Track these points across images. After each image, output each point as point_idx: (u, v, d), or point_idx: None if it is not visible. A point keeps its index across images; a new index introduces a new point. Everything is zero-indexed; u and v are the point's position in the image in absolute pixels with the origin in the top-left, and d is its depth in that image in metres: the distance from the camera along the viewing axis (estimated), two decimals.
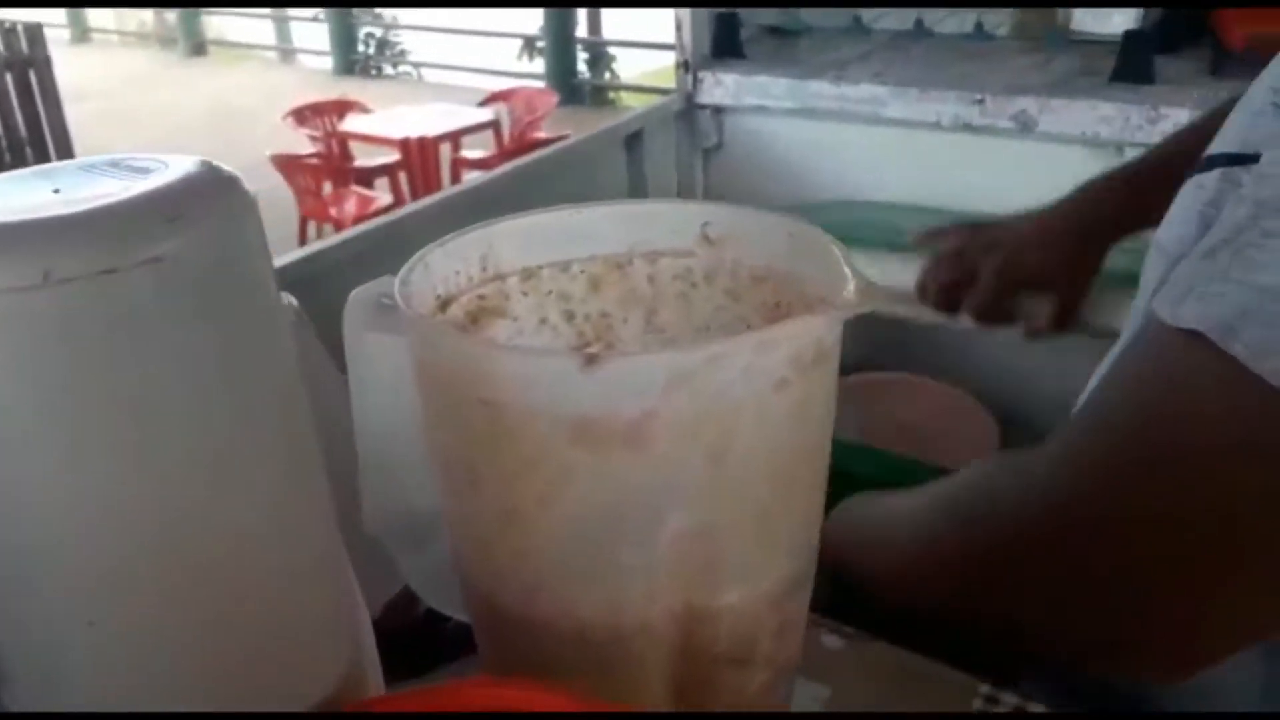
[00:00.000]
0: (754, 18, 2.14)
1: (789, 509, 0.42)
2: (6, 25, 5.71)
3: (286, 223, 4.90)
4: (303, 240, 4.79)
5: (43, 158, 5.59)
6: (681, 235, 0.52)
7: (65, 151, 5.67)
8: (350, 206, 4.66)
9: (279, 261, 1.30)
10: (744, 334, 0.36)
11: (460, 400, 0.39)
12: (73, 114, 5.80)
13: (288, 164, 4.72)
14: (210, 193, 0.29)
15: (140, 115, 8.03)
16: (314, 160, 5.10)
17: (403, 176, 4.93)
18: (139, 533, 0.30)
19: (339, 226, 4.59)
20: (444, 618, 0.54)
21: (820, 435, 0.43)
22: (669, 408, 0.36)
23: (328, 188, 4.78)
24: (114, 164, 0.31)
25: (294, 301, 0.68)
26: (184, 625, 0.32)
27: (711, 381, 0.36)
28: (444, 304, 0.48)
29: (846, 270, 0.41)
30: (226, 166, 0.32)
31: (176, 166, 0.31)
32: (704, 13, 2.06)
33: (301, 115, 5.37)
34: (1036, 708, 0.59)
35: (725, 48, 2.06)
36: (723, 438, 0.37)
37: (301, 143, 5.34)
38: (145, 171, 0.30)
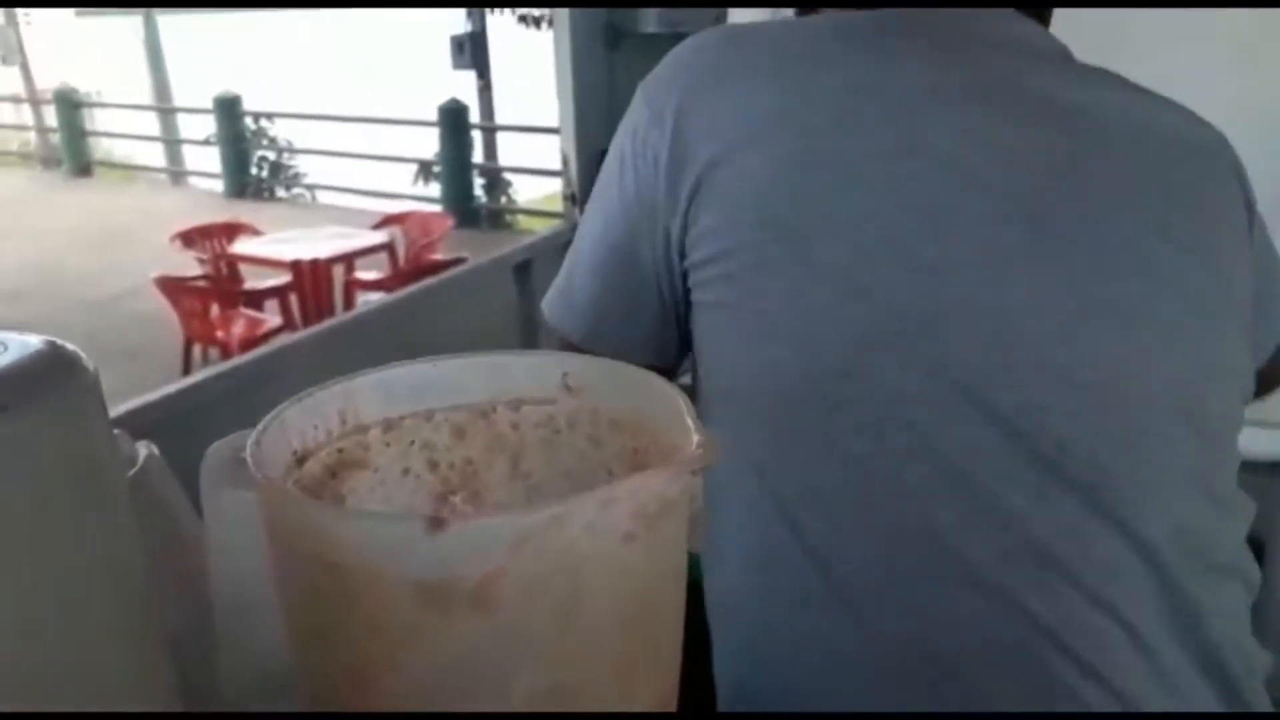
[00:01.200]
0: None
1: (646, 657, 0.43)
2: None
3: (172, 346, 4.78)
4: (187, 363, 4.66)
5: None
6: (543, 384, 0.54)
7: None
8: (238, 329, 4.57)
9: (153, 396, 1.28)
10: (585, 493, 0.37)
11: (307, 562, 0.39)
12: None
13: (173, 286, 4.63)
14: (47, 376, 0.30)
15: (18, 236, 7.79)
16: (201, 283, 5.01)
17: (294, 298, 4.87)
18: None
19: (226, 349, 4.49)
20: None
21: (673, 581, 0.44)
22: (514, 568, 0.36)
23: (215, 310, 4.69)
24: None
25: (154, 449, 0.67)
26: None
27: (556, 540, 0.37)
28: (301, 459, 0.48)
29: (690, 423, 0.43)
30: (69, 345, 0.32)
31: (15, 348, 0.31)
32: (591, 148, 2.14)
33: (189, 237, 5.30)
34: None
35: None
36: (571, 595, 0.38)
37: (189, 265, 5.25)
38: None
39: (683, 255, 0.72)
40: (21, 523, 0.28)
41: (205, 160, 10.03)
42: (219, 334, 4.54)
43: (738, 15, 1.74)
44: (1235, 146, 0.74)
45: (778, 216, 0.67)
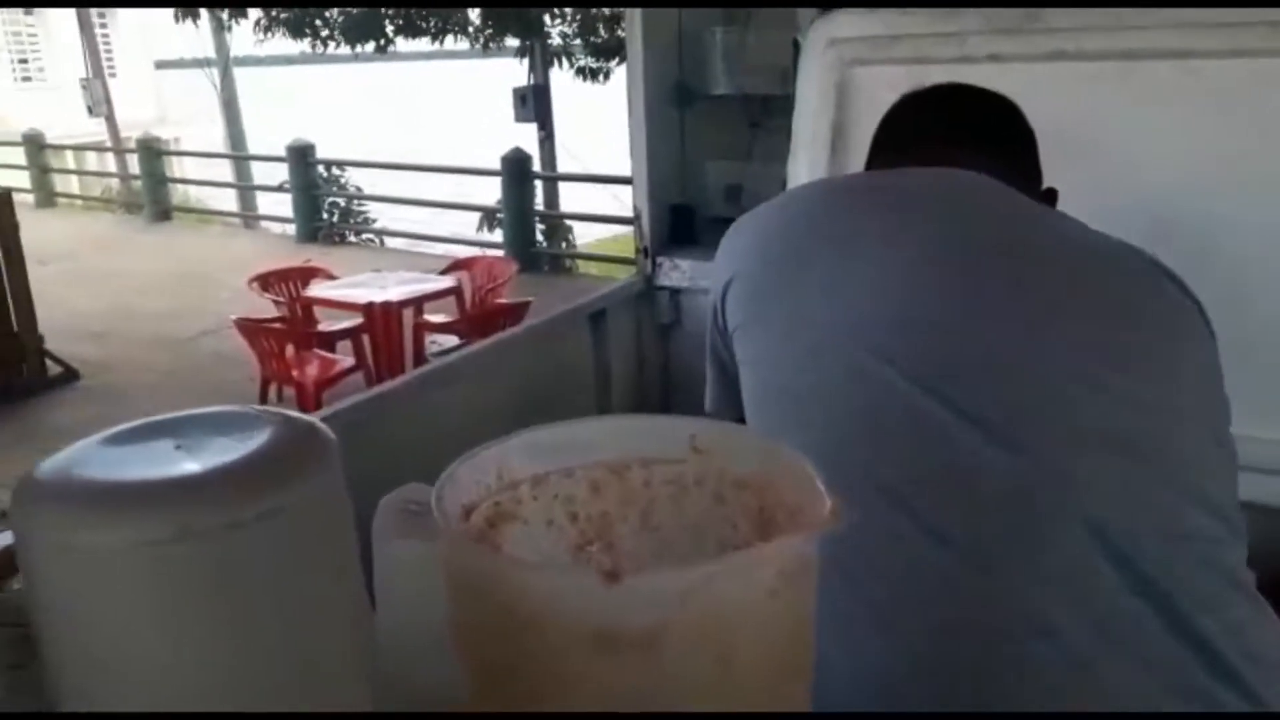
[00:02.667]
0: (705, 209, 2.30)
1: (787, 698, 0.48)
2: None
3: (249, 384, 4.94)
4: (264, 401, 4.81)
5: (3, 321, 5.60)
6: (673, 445, 0.59)
7: (26, 315, 5.69)
8: (312, 370, 4.72)
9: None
10: (739, 552, 0.42)
11: (491, 610, 0.45)
12: (36, 275, 5.86)
13: (250, 328, 4.80)
14: (306, 448, 0.36)
15: (102, 278, 8.12)
16: (277, 325, 5.18)
17: (365, 339, 5.02)
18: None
19: (301, 388, 4.63)
20: None
21: (808, 632, 0.49)
22: (679, 619, 0.42)
23: (290, 350, 4.85)
24: (223, 419, 0.37)
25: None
26: None
27: (714, 594, 0.42)
28: (467, 513, 0.54)
29: (821, 489, 0.48)
30: (309, 419, 0.38)
31: (273, 422, 0.37)
32: (661, 203, 2.21)
33: (266, 281, 5.49)
34: None
35: (681, 235, 2.22)
36: (726, 643, 0.43)
37: (265, 307, 5.44)
38: (249, 427, 0.36)
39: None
40: (296, 573, 0.34)
41: (278, 206, 10.38)
42: (294, 373, 4.69)
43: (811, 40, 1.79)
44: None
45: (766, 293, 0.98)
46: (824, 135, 1.79)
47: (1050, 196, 1.10)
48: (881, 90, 1.31)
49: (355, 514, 0.55)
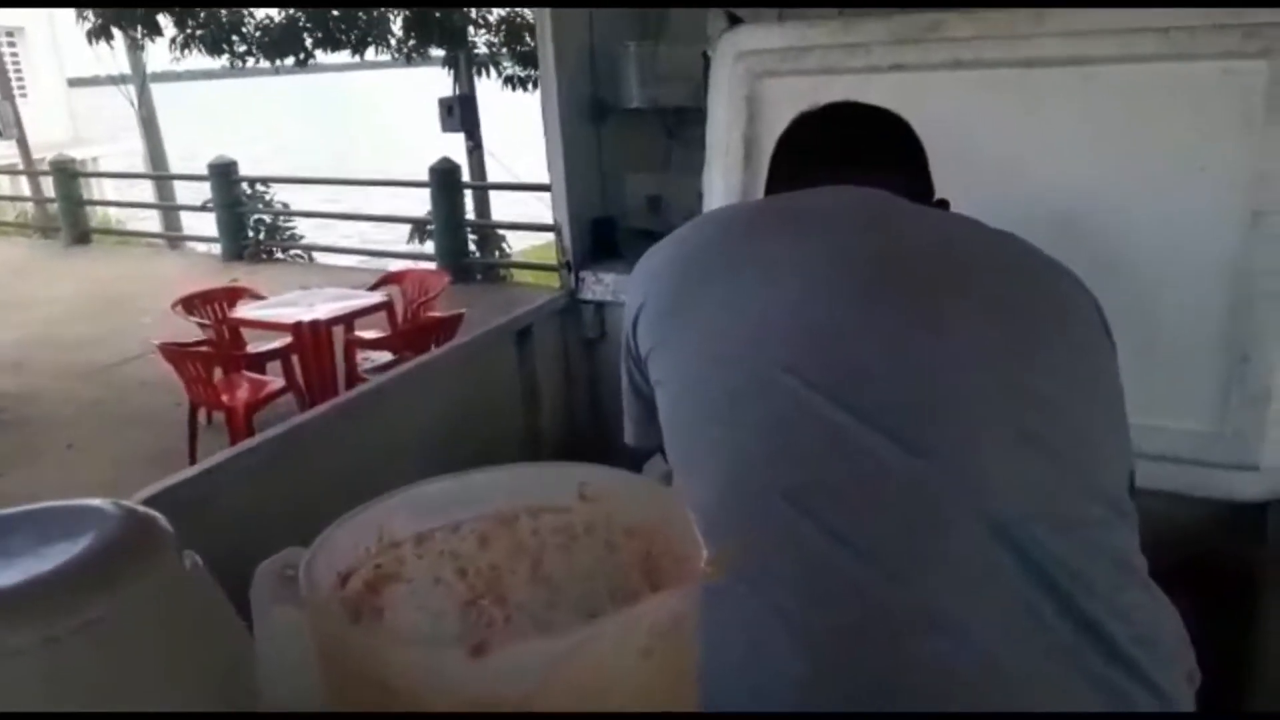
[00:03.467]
0: (626, 221, 2.30)
1: None
2: None
3: (177, 411, 4.81)
4: (193, 428, 4.70)
5: None
6: (561, 493, 0.58)
7: None
8: (242, 393, 4.61)
9: (171, 480, 1.32)
10: (606, 618, 0.42)
11: (359, 681, 0.44)
12: None
13: (175, 353, 4.67)
14: (134, 548, 0.34)
15: (19, 305, 7.86)
16: (203, 348, 5.06)
17: (295, 360, 4.92)
18: None
19: (231, 412, 4.52)
20: None
21: (688, 685, 0.48)
22: (550, 687, 0.41)
23: (218, 374, 4.73)
24: (55, 516, 0.35)
25: (198, 560, 0.71)
26: None
27: (584, 660, 0.41)
28: (344, 579, 0.52)
29: (698, 538, 0.47)
30: (142, 509, 0.37)
31: (105, 520, 0.35)
32: (583, 217, 2.21)
33: (190, 303, 5.35)
34: None
35: (604, 248, 2.21)
36: (601, 707, 0.42)
37: (191, 330, 5.30)
38: (79, 526, 0.35)
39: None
40: (130, 684, 0.33)
41: (202, 225, 10.14)
42: (224, 398, 4.58)
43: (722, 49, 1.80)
44: None
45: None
46: (736, 146, 1.80)
47: (943, 207, 1.12)
48: (790, 101, 1.32)
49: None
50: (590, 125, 2.22)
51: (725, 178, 1.80)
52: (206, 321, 5.32)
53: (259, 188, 9.86)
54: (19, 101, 12.80)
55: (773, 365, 0.88)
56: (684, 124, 2.20)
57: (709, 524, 0.50)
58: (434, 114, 8.56)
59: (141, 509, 0.36)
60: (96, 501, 0.36)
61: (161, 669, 0.34)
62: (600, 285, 2.20)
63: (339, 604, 0.50)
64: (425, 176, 8.06)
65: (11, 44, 16.89)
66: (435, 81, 9.42)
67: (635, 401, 1.15)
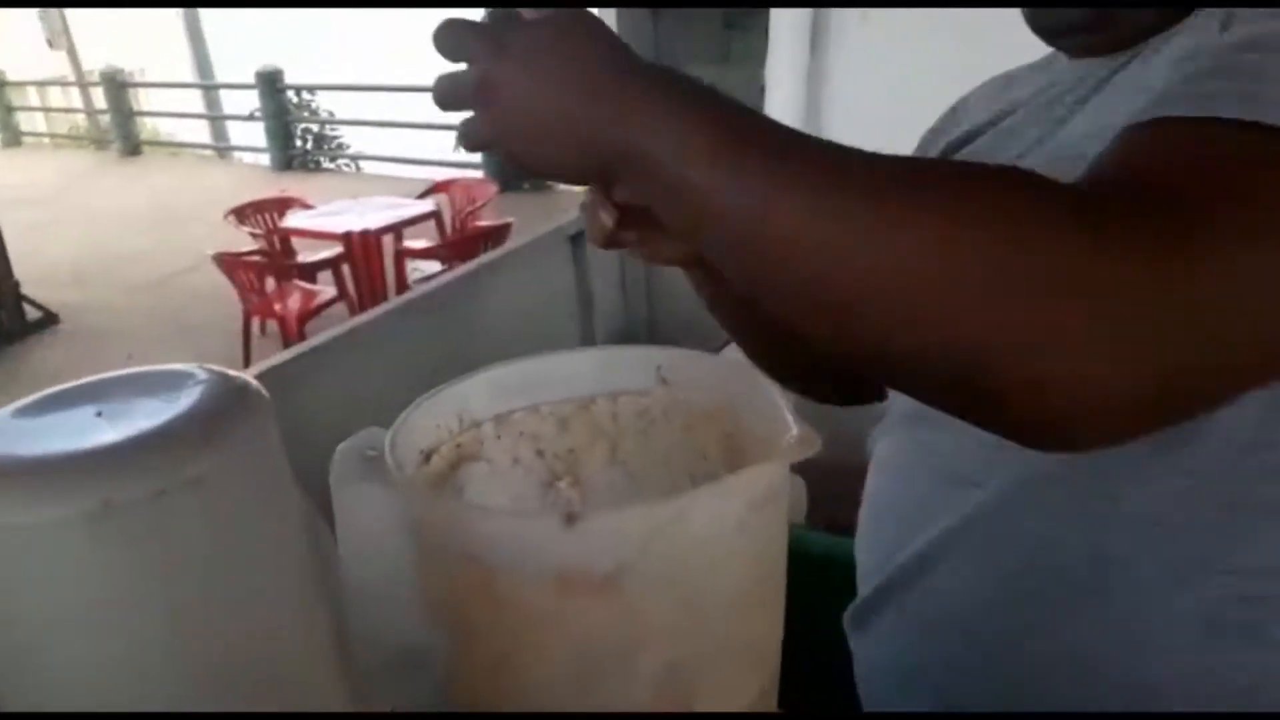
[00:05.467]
0: None
1: (756, 634, 0.47)
2: None
3: (230, 321, 4.90)
4: (246, 337, 4.77)
5: None
6: (640, 377, 0.57)
7: (2, 262, 5.60)
8: (294, 302, 4.67)
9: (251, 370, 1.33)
10: (703, 487, 0.41)
11: (451, 556, 0.44)
12: (7, 219, 5.75)
13: (230, 262, 4.72)
14: (235, 408, 0.34)
15: (77, 220, 7.98)
16: (256, 258, 5.11)
17: (346, 269, 4.95)
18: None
19: (283, 321, 4.59)
20: None
21: (778, 564, 0.48)
22: (643, 559, 0.40)
23: (270, 284, 4.79)
24: (149, 380, 0.35)
25: None
26: None
27: (680, 531, 0.41)
28: (427, 456, 0.52)
29: (789, 418, 0.46)
30: (236, 374, 0.36)
31: (201, 383, 0.35)
32: None
33: (242, 213, 5.39)
34: None
35: None
36: (691, 581, 0.42)
37: (243, 240, 5.35)
38: (175, 388, 0.34)
39: None
40: (228, 540, 0.33)
41: (250, 135, 10.15)
42: (276, 307, 4.64)
43: None
44: None
45: None
46: (803, 31, 1.73)
47: None
48: None
49: (321, 458, 0.54)
50: (648, 19, 2.16)
51: (791, 67, 1.74)
52: (258, 231, 5.36)
53: (305, 96, 9.81)
54: (66, 11, 12.77)
55: None
56: (744, 13, 2.13)
57: None
58: (475, 14, 8.40)
59: (236, 374, 0.36)
60: (191, 366, 0.36)
61: (259, 530, 0.34)
62: None
63: (422, 481, 0.50)
64: None
65: None
66: None
67: None
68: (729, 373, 0.54)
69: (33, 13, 12.56)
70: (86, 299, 6.07)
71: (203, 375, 0.35)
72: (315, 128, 9.79)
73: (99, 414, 0.33)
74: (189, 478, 0.30)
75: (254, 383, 0.36)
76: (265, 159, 9.69)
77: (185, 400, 0.33)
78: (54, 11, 12.15)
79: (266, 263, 5.02)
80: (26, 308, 5.76)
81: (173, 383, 0.35)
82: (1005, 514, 0.60)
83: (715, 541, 0.42)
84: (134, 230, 7.51)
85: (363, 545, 0.55)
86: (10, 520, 0.29)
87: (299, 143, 9.61)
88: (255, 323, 4.89)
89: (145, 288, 6.23)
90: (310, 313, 4.62)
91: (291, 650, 0.37)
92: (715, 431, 0.55)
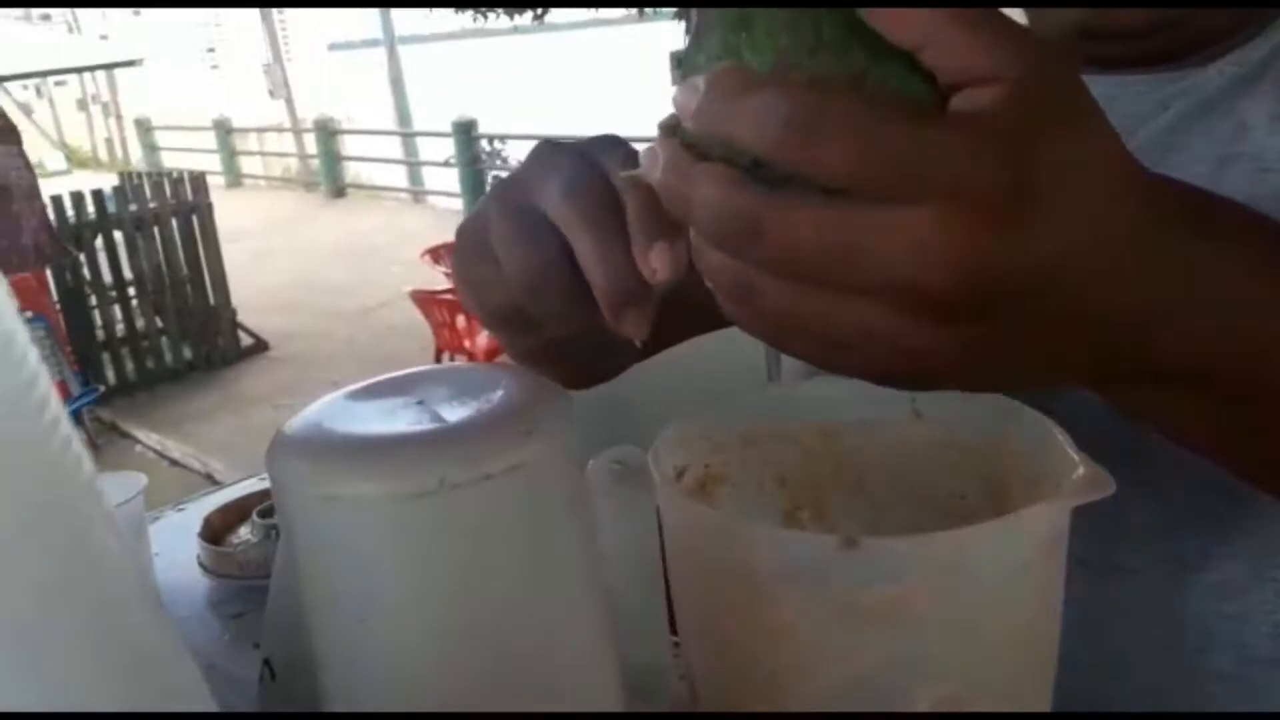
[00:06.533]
0: None
1: (1034, 673, 0.44)
2: (174, 175, 6.27)
3: (423, 353, 5.15)
4: None
5: (200, 293, 6.03)
6: (891, 407, 0.56)
7: (221, 289, 6.10)
8: (482, 339, 4.87)
9: None
10: (991, 522, 0.39)
11: (717, 573, 0.43)
12: (228, 252, 6.28)
13: (424, 299, 4.99)
14: (545, 404, 0.35)
15: (287, 253, 8.62)
16: (448, 295, 5.36)
17: None
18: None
19: (471, 357, 4.79)
20: None
21: (1055, 620, 0.45)
22: (919, 590, 0.39)
23: (461, 321, 5.01)
24: (457, 375, 0.37)
25: None
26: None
27: (963, 565, 0.39)
28: (679, 474, 0.53)
29: (1074, 455, 0.44)
30: (539, 377, 0.37)
31: (507, 379, 0.36)
32: None
33: (437, 254, 5.69)
34: None
35: None
36: (971, 615, 0.40)
37: (437, 279, 5.64)
38: (485, 384, 0.36)
39: None
40: (541, 526, 0.33)
41: (445, 180, 10.73)
42: (466, 343, 4.85)
43: None
44: None
45: None
46: None
47: None
48: None
49: None
50: None
51: None
52: (451, 271, 5.63)
53: (496, 144, 10.30)
54: (286, 65, 13.94)
55: None
56: None
57: None
58: (664, 70, 8.63)
59: (531, 375, 0.37)
60: (497, 366, 0.37)
61: (568, 522, 0.35)
62: None
63: (685, 494, 0.50)
64: (655, 132, 8.16)
65: (280, 13, 18.37)
66: (667, 36, 9.47)
67: None
68: (992, 408, 0.52)
69: (259, 67, 13.75)
70: (293, 327, 6.52)
71: (510, 375, 0.37)
72: (505, 174, 10.24)
73: (420, 403, 0.35)
74: (512, 464, 0.32)
75: (555, 384, 0.37)
76: (459, 203, 10.21)
77: (501, 394, 0.34)
78: (276, 65, 13.25)
79: (458, 300, 5.25)
80: (240, 334, 6.24)
81: (485, 380, 0.36)
82: None
83: (1000, 579, 0.40)
84: (337, 265, 8.04)
85: (612, 557, 0.56)
86: (357, 491, 0.31)
87: (489, 189, 10.06)
88: (445, 356, 5.13)
89: (346, 319, 6.64)
90: (497, 350, 4.80)
91: (583, 646, 0.38)
92: (974, 471, 0.53)
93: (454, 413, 0.33)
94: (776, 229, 0.28)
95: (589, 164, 0.40)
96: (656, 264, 0.35)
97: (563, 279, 0.37)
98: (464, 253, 0.45)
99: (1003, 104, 0.27)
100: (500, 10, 9.60)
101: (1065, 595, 0.44)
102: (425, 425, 0.33)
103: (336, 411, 0.34)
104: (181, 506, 1.11)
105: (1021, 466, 0.50)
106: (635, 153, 0.40)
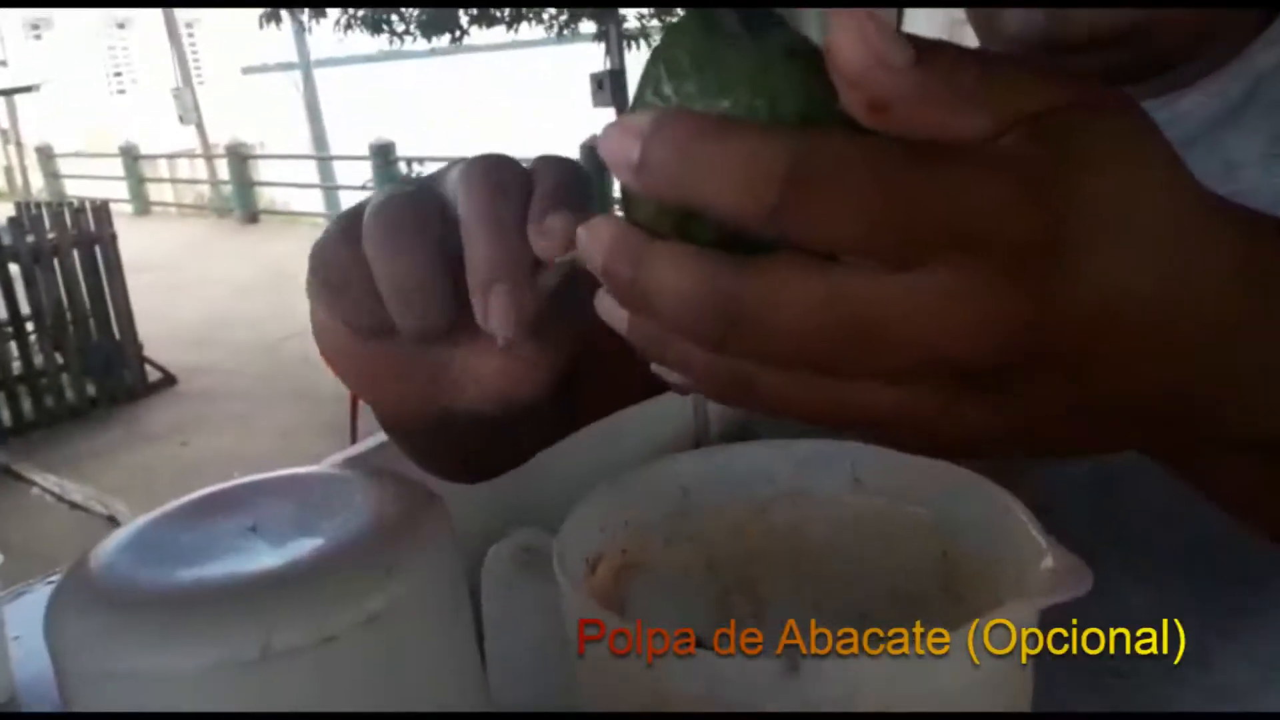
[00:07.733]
0: None
1: None
2: (75, 205, 6.01)
3: (334, 387, 4.98)
4: (354, 403, 4.84)
5: (105, 329, 5.77)
6: (829, 478, 0.50)
7: (127, 322, 5.85)
8: None
9: (356, 449, 1.30)
10: (953, 633, 0.33)
11: (633, 687, 0.37)
12: (135, 283, 6.02)
13: None
14: (411, 523, 0.28)
15: (197, 283, 8.33)
16: None
17: None
18: None
19: None
20: None
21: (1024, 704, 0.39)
22: (875, 707, 0.33)
23: None
24: (305, 485, 0.29)
25: None
26: None
27: (919, 681, 0.33)
28: (593, 566, 0.46)
29: (1041, 541, 0.38)
30: (408, 479, 0.30)
31: (366, 490, 0.29)
32: None
33: None
34: None
35: None
36: None
37: None
38: (338, 498, 0.28)
39: None
40: (399, 683, 0.26)
41: None
42: None
43: None
44: None
45: None
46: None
47: None
48: None
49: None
50: None
51: None
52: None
53: (416, 167, 10.15)
54: (197, 89, 13.56)
55: None
56: None
57: None
58: (583, 92, 8.58)
59: (410, 479, 0.30)
60: (355, 471, 0.30)
61: (436, 667, 0.28)
62: None
63: (594, 594, 0.43)
64: (576, 154, 8.13)
65: (190, 34, 17.93)
66: (586, 59, 9.45)
67: None
68: (945, 479, 0.46)
69: (168, 91, 13.37)
70: (202, 361, 6.29)
71: (371, 483, 0.29)
72: None
73: (253, 528, 0.27)
74: (362, 618, 0.24)
75: (430, 490, 0.30)
76: None
77: (358, 515, 0.27)
78: (186, 89, 12.90)
79: None
80: (148, 369, 5.99)
81: (340, 492, 0.29)
82: None
83: (957, 693, 0.34)
84: (250, 295, 7.80)
85: (515, 657, 0.49)
86: (150, 665, 0.23)
87: None
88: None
89: (258, 352, 6.43)
90: None
91: None
92: (925, 549, 0.48)
93: (293, 544, 0.26)
94: (772, 316, 0.22)
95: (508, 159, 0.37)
96: (552, 233, 0.32)
97: (437, 279, 0.33)
98: (321, 268, 0.39)
99: (1023, 142, 0.22)
100: (417, 33, 9.47)
101: (1046, 699, 0.39)
102: (250, 566, 0.25)
103: (140, 547, 0.27)
104: (51, 579, 0.99)
105: (975, 543, 0.45)
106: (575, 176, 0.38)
